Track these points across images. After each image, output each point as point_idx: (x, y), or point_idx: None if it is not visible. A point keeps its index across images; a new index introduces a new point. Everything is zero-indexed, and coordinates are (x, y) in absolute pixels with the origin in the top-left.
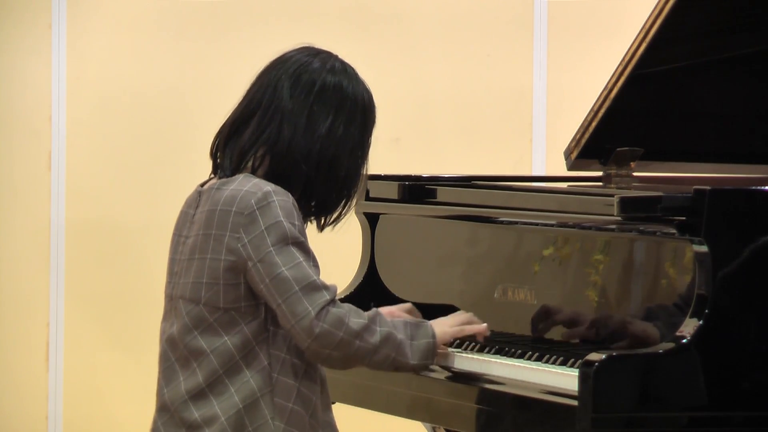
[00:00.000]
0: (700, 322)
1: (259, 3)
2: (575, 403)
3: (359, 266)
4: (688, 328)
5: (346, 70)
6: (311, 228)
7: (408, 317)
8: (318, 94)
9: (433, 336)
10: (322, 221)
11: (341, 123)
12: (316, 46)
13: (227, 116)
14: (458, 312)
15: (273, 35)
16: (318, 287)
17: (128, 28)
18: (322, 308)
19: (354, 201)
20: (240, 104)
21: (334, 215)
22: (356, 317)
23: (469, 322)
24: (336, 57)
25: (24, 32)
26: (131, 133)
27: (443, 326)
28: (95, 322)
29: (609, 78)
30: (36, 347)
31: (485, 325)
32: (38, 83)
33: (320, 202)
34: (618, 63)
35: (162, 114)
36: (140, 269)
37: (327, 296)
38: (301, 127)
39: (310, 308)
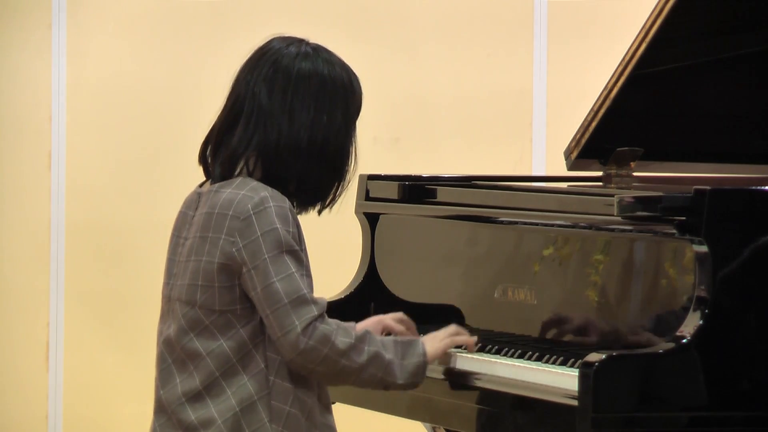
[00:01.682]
0: (700, 322)
1: (260, 4)
2: (575, 403)
3: (359, 266)
4: (688, 328)
5: (319, 55)
6: (310, 227)
7: (399, 327)
8: (295, 87)
9: (424, 354)
10: (319, 206)
11: (323, 109)
12: (286, 35)
13: (213, 122)
14: (448, 326)
15: (273, 36)
16: (307, 301)
17: (128, 28)
18: (309, 324)
19: (347, 181)
20: (223, 110)
21: (329, 198)
22: (343, 336)
23: (458, 334)
24: (307, 42)
25: (24, 32)
26: (131, 133)
27: (434, 342)
28: (95, 322)
29: (609, 78)
30: (36, 347)
31: (475, 337)
32: (38, 83)
33: (315, 189)
34: (618, 63)
35: (162, 114)
36: (140, 269)
37: (315, 311)
38: (285, 125)
39: (297, 323)
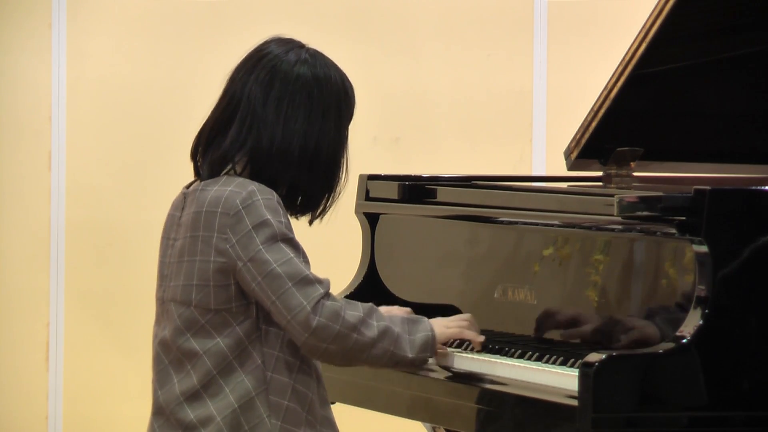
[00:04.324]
0: (700, 322)
1: (260, 4)
2: (575, 403)
3: (359, 266)
4: (688, 328)
5: (317, 62)
6: (310, 227)
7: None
8: (292, 95)
9: (432, 330)
10: (309, 216)
11: (317, 120)
12: (285, 37)
13: (206, 118)
14: (459, 315)
15: (271, 37)
16: (311, 281)
17: (128, 28)
18: (318, 302)
19: (338, 191)
20: (216, 108)
21: (319, 209)
22: (352, 310)
23: (468, 326)
24: (305, 48)
25: (24, 32)
26: (131, 133)
27: (441, 326)
28: (95, 322)
29: (609, 78)
30: (36, 347)
31: (483, 337)
32: (38, 83)
33: (305, 197)
34: (618, 63)
35: (162, 114)
36: (140, 269)
37: (321, 290)
38: (279, 132)
39: (305, 302)
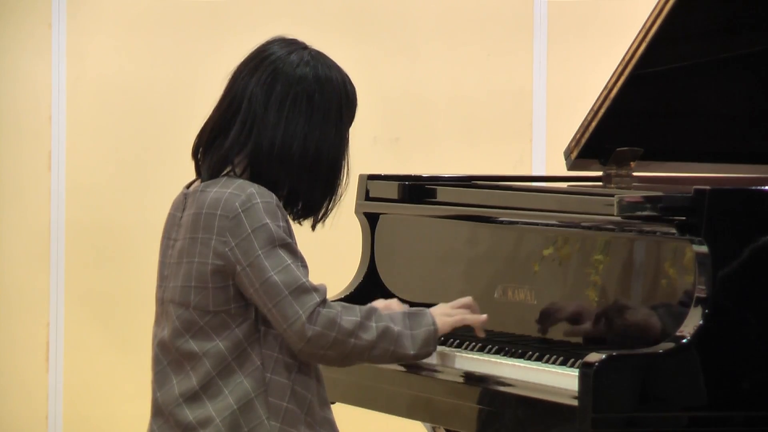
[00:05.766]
0: (700, 322)
1: (260, 4)
2: (575, 402)
3: (359, 266)
4: (688, 328)
5: (318, 64)
6: (309, 227)
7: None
8: (293, 98)
9: (434, 323)
10: (311, 220)
11: (318, 121)
12: (288, 37)
13: (207, 118)
14: (459, 300)
15: (274, 37)
16: (307, 290)
17: (128, 28)
18: (313, 311)
19: (339, 196)
20: (217, 108)
21: (321, 213)
22: (349, 315)
23: (469, 310)
24: (308, 50)
25: (24, 32)
26: (131, 133)
27: (443, 315)
28: (95, 322)
29: (609, 78)
30: (36, 347)
31: (485, 316)
32: (38, 83)
33: (306, 201)
34: (618, 63)
35: (162, 114)
36: (140, 269)
37: (317, 298)
38: (279, 136)
39: (301, 312)
